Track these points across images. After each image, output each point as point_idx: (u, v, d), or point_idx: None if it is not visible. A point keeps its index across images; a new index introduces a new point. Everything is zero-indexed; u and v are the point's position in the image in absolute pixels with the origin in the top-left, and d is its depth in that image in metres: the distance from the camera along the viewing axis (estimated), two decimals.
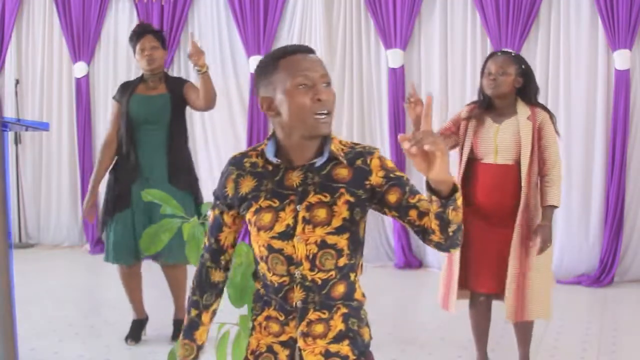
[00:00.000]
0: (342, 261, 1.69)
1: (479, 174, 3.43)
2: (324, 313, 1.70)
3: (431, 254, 6.16)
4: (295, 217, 1.68)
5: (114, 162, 4.16)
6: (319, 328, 1.71)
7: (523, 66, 3.44)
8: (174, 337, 4.15)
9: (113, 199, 4.10)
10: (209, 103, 4.01)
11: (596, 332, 4.41)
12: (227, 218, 1.80)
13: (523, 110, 3.39)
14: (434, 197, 1.57)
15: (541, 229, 3.34)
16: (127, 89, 4.17)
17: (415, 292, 5.67)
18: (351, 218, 1.69)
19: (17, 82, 7.15)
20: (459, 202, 1.59)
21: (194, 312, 1.84)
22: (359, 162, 1.71)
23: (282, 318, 1.73)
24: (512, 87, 3.41)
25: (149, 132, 4.07)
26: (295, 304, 1.70)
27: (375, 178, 1.70)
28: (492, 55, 3.52)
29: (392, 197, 1.69)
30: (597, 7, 5.58)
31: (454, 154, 3.54)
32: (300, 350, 1.73)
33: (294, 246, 1.68)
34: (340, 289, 1.71)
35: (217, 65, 6.63)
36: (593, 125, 5.71)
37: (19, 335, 2.94)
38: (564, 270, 5.65)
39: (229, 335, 2.32)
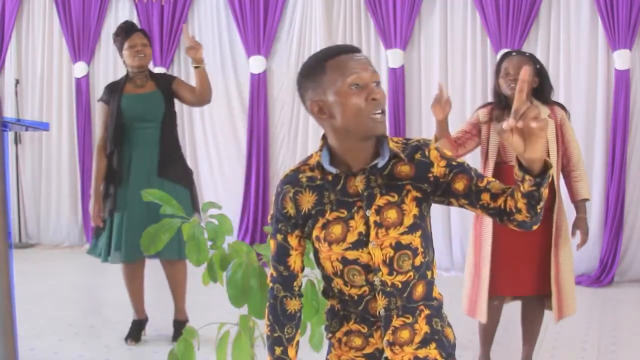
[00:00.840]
0: (419, 260, 1.66)
1: (509, 177, 3.39)
2: (408, 318, 1.66)
3: None
4: (367, 223, 1.63)
5: (109, 161, 4.15)
6: (404, 334, 1.66)
7: (538, 66, 3.43)
8: (174, 338, 4.15)
9: (109, 200, 4.10)
10: (204, 99, 4.05)
11: (596, 332, 4.41)
12: (292, 240, 1.71)
13: (542, 109, 3.37)
14: (527, 177, 1.51)
15: (580, 222, 3.41)
16: (114, 90, 4.15)
17: None
18: (420, 214, 1.66)
19: (17, 82, 7.15)
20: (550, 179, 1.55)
21: (278, 351, 1.73)
22: (418, 155, 1.66)
23: (365, 330, 1.68)
24: (530, 87, 3.39)
25: (142, 130, 4.08)
26: (379, 312, 1.65)
27: (438, 169, 1.66)
28: (507, 55, 3.48)
29: (460, 185, 1.65)
30: (597, 7, 5.58)
31: (476, 158, 3.50)
32: None
33: (369, 253, 1.63)
34: (419, 289, 1.67)
35: (217, 65, 6.63)
36: (593, 125, 5.71)
37: (19, 335, 2.94)
38: None
39: (229, 335, 2.32)
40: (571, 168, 3.41)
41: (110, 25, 6.97)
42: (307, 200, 1.67)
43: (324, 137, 1.69)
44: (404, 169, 1.66)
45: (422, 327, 1.68)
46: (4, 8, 7.17)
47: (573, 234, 3.42)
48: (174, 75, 4.29)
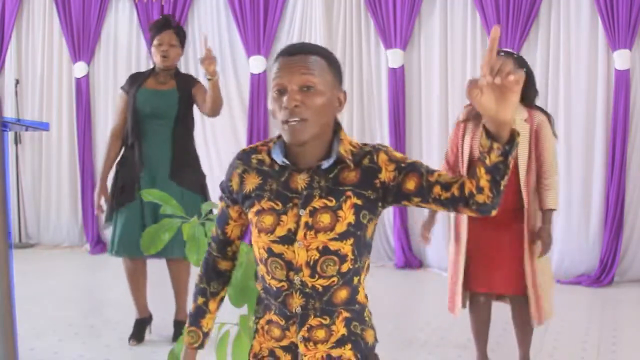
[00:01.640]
0: (346, 267, 1.63)
1: None
2: (325, 319, 1.65)
3: (431, 253, 6.16)
4: (298, 222, 1.61)
5: (120, 154, 4.16)
6: (320, 333, 1.65)
7: (525, 69, 3.42)
8: (174, 338, 4.14)
9: (119, 192, 4.09)
10: (215, 111, 4.01)
11: (596, 332, 4.41)
12: (233, 212, 1.76)
13: (520, 112, 3.36)
14: (495, 145, 1.48)
15: (542, 232, 3.37)
16: (136, 81, 4.14)
17: (415, 292, 5.67)
18: (357, 222, 1.62)
19: (17, 82, 7.15)
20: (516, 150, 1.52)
21: (200, 300, 1.82)
22: (365, 161, 1.64)
23: (282, 323, 1.68)
24: (520, 86, 3.36)
25: (155, 126, 4.06)
26: (295, 310, 1.65)
27: (386, 174, 1.63)
28: None
29: (411, 184, 1.62)
30: (597, 7, 5.59)
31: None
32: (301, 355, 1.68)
33: (294, 251, 1.62)
34: (342, 294, 1.65)
35: (217, 65, 6.63)
36: (593, 125, 5.71)
37: (19, 335, 2.94)
38: (564, 270, 5.66)
39: (229, 335, 2.32)
40: (542, 175, 3.38)
41: (110, 25, 6.99)
42: (251, 182, 1.69)
43: None
44: (350, 175, 1.63)
45: (339, 329, 1.66)
46: (4, 8, 7.17)
47: (534, 242, 3.38)
48: (197, 80, 4.23)
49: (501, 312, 3.65)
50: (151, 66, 4.31)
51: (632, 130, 5.65)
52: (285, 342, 1.69)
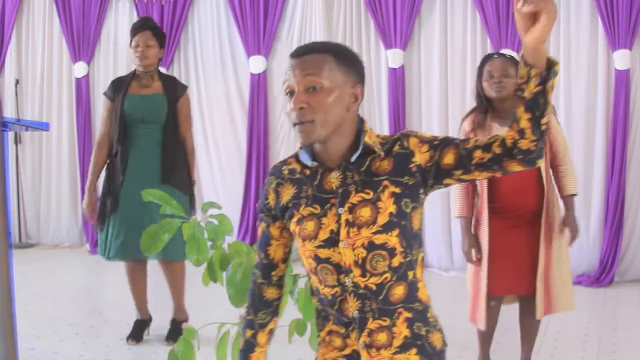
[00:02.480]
0: (397, 260, 1.58)
1: (497, 180, 3.37)
2: (385, 320, 1.59)
3: (431, 253, 6.15)
4: (339, 221, 1.58)
5: (107, 162, 4.15)
6: (381, 337, 1.59)
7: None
8: (168, 337, 4.15)
9: (108, 199, 4.09)
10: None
11: (596, 332, 4.41)
12: (274, 231, 1.71)
13: None
14: (533, 71, 1.44)
15: (569, 219, 3.38)
16: (119, 87, 4.12)
17: None
18: (400, 212, 1.57)
19: (17, 82, 7.15)
20: (555, 80, 1.48)
21: (249, 333, 1.75)
22: (396, 147, 1.61)
23: (342, 331, 1.64)
24: (513, 88, 3.38)
25: (144, 131, 4.06)
26: (352, 314, 1.60)
27: (420, 156, 1.59)
28: (488, 58, 3.48)
29: (449, 158, 1.57)
30: (597, 7, 5.59)
31: None
32: None
33: (340, 253, 1.58)
34: (398, 291, 1.59)
35: (217, 65, 6.64)
36: (593, 125, 5.71)
37: (19, 335, 2.94)
38: None
39: (229, 335, 2.32)
40: (558, 163, 3.40)
41: (110, 25, 6.99)
42: (287, 193, 1.66)
43: None
44: (383, 164, 1.60)
45: (402, 331, 1.60)
46: (4, 8, 7.17)
47: (561, 230, 3.40)
48: (183, 87, 4.20)
49: (502, 314, 3.64)
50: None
51: (632, 130, 5.65)
52: (347, 351, 1.65)
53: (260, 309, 1.75)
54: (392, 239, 1.57)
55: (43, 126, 3.79)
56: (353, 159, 1.61)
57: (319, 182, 1.63)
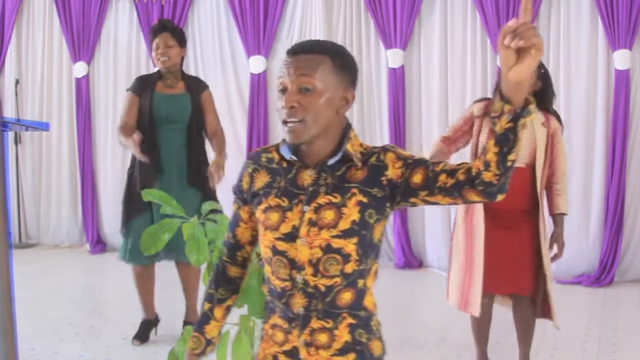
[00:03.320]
0: (350, 267, 1.60)
1: None
2: (328, 322, 1.62)
3: (431, 253, 6.16)
4: (302, 218, 1.61)
5: (131, 161, 4.12)
6: (322, 338, 1.62)
7: (542, 70, 3.42)
8: None
9: (132, 202, 4.05)
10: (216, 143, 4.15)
11: (596, 332, 4.41)
12: (243, 213, 1.76)
13: (538, 116, 3.39)
14: (507, 107, 1.45)
15: (558, 237, 3.45)
16: (146, 85, 4.11)
17: (415, 292, 5.67)
18: (362, 221, 1.60)
19: (17, 82, 7.16)
20: (529, 118, 1.47)
21: (207, 306, 1.81)
22: (372, 159, 1.63)
23: (285, 326, 1.65)
24: (532, 90, 3.37)
25: (169, 131, 4.05)
26: (297, 311, 1.63)
27: (393, 171, 1.61)
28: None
29: (417, 177, 1.59)
30: (597, 7, 5.59)
31: (467, 152, 3.54)
32: None
33: (297, 249, 1.61)
34: (346, 296, 1.61)
35: (217, 65, 6.64)
36: (593, 125, 5.71)
37: (19, 335, 2.94)
38: (564, 270, 5.65)
39: (229, 335, 2.32)
40: (555, 180, 3.45)
41: (110, 26, 6.99)
42: (261, 180, 1.70)
43: None
44: (357, 173, 1.63)
45: (343, 335, 1.63)
46: (4, 8, 7.17)
47: (550, 246, 3.46)
48: (205, 85, 4.21)
49: (501, 313, 3.64)
50: (152, 67, 4.31)
51: (632, 130, 5.65)
52: (287, 347, 1.66)
53: (222, 284, 1.81)
54: (349, 246, 1.60)
55: (43, 126, 3.79)
56: (330, 162, 1.63)
57: (293, 177, 1.65)
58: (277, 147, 1.71)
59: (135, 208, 4.04)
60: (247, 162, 1.75)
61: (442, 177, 1.57)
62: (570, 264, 5.70)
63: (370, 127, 6.32)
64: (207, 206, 2.54)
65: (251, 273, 2.02)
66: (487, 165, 1.51)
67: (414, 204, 1.65)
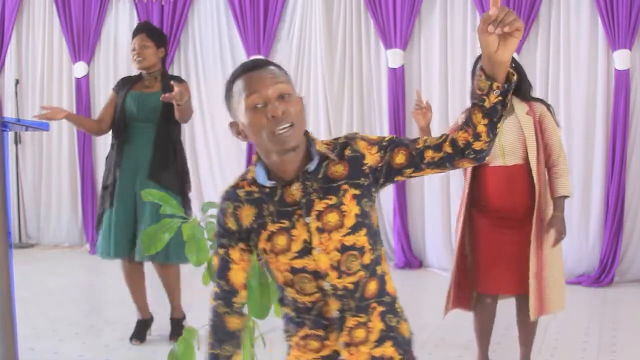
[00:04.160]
0: (367, 258, 1.65)
1: (488, 178, 3.38)
2: (361, 316, 1.66)
3: (431, 253, 6.16)
4: (309, 230, 1.62)
5: (108, 154, 4.22)
6: (359, 333, 1.66)
7: (513, 64, 3.41)
8: (172, 336, 4.18)
9: (106, 196, 4.15)
10: (184, 121, 4.08)
11: (596, 332, 4.40)
12: (234, 254, 1.71)
13: (520, 106, 3.37)
14: (495, 84, 1.52)
15: (555, 220, 3.33)
16: (126, 84, 4.22)
17: (415, 292, 5.66)
18: (362, 211, 1.65)
19: (17, 82, 7.16)
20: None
21: None
22: (347, 151, 1.67)
23: (321, 333, 1.68)
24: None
25: (139, 128, 4.11)
26: (332, 315, 1.66)
27: (370, 157, 1.66)
28: (480, 57, 3.47)
29: (400, 158, 1.65)
30: (597, 7, 5.59)
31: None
32: None
33: (314, 260, 1.63)
34: (371, 287, 1.67)
35: (217, 65, 6.64)
36: (593, 125, 5.71)
37: (19, 335, 2.95)
38: (564, 271, 5.65)
39: None
40: (552, 164, 3.38)
41: (110, 25, 6.99)
42: (247, 215, 1.67)
43: (257, 153, 1.70)
44: (338, 168, 1.66)
45: (376, 325, 1.67)
46: (4, 8, 7.17)
47: (547, 231, 3.35)
48: (183, 81, 4.23)
49: (502, 314, 3.64)
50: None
51: (632, 130, 5.65)
52: (325, 352, 1.69)
53: (225, 340, 1.73)
54: (361, 238, 1.65)
55: (43, 126, 3.78)
56: (311, 168, 1.65)
57: (280, 198, 1.65)
58: (247, 180, 1.70)
59: (100, 204, 4.18)
60: (224, 204, 1.70)
61: (429, 153, 1.64)
62: (570, 264, 5.70)
63: (370, 127, 6.32)
64: (207, 206, 2.54)
65: (251, 274, 2.01)
66: (477, 136, 1.59)
67: (397, 181, 1.71)
